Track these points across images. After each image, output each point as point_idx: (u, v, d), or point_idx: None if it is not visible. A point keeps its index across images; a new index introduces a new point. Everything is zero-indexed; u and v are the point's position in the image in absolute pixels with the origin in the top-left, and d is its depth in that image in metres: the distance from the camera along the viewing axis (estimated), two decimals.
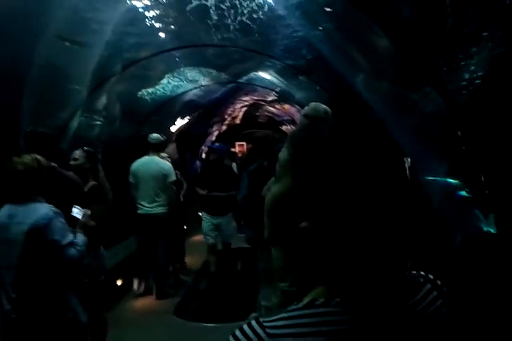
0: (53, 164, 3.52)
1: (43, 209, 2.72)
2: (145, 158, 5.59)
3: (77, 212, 3.16)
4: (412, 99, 4.16)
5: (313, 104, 3.21)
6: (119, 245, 6.29)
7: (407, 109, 4.26)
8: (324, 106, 3.17)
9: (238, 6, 5.17)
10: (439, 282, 0.86)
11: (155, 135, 5.65)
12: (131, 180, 5.57)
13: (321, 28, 5.19)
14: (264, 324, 0.73)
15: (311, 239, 0.72)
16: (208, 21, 5.52)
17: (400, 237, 0.74)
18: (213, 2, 5.10)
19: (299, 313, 0.73)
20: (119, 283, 5.69)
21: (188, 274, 6.73)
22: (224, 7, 5.23)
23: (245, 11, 5.28)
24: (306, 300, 0.75)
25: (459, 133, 3.18)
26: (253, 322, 0.74)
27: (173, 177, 5.59)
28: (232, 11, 5.30)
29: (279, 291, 2.98)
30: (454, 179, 3.57)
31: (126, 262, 5.91)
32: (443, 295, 0.84)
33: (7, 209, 2.74)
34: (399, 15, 3.70)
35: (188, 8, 5.14)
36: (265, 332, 0.71)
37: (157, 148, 5.65)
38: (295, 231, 0.73)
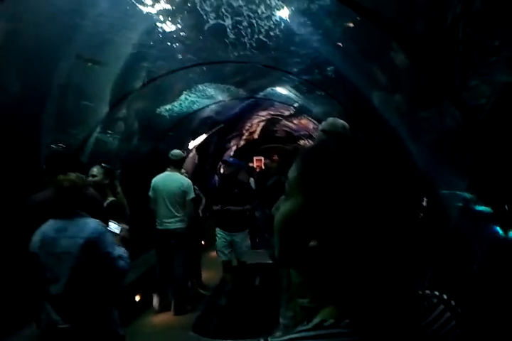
0: None
1: (93, 224, 2.88)
2: (165, 174, 5.64)
3: (115, 227, 3.28)
4: (429, 114, 4.15)
5: (331, 119, 3.21)
6: (138, 259, 6.33)
7: (424, 123, 4.24)
8: (342, 121, 3.16)
9: (255, 24, 5.24)
10: (453, 302, 0.83)
11: (176, 151, 5.70)
12: (150, 194, 5.62)
13: (337, 43, 5.24)
14: None
15: (320, 258, 0.71)
16: (225, 40, 5.62)
17: (411, 258, 0.73)
18: (230, 22, 5.19)
19: (308, 334, 0.72)
20: (137, 298, 5.70)
21: (206, 290, 6.72)
22: (241, 27, 5.32)
23: (262, 30, 5.36)
24: (315, 321, 0.74)
25: (477, 147, 3.15)
26: None
27: (192, 195, 5.61)
28: (249, 30, 5.38)
29: (298, 307, 2.95)
30: (472, 194, 3.52)
31: (145, 276, 5.93)
32: (457, 316, 0.81)
33: (53, 223, 2.87)
34: (414, 30, 3.71)
35: (205, 27, 5.24)
36: None
37: (178, 164, 5.70)
38: (305, 250, 0.72)
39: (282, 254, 0.80)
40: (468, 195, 3.61)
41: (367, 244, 0.68)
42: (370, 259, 0.69)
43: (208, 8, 4.90)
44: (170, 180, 5.59)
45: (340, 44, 5.23)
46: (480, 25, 2.74)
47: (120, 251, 2.99)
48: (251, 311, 5.78)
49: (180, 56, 6.00)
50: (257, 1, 4.90)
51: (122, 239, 3.27)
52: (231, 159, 6.80)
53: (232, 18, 5.14)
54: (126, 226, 3.38)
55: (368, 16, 3.60)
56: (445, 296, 0.84)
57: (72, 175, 2.97)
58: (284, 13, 5.05)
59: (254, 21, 5.19)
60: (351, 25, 4.78)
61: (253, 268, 7.01)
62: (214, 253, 7.66)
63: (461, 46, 2.94)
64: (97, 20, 4.50)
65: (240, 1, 4.87)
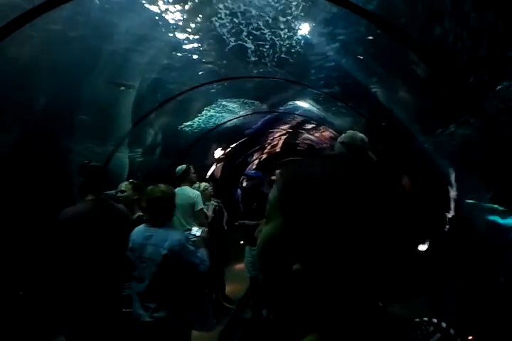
0: (110, 192, 3.80)
1: (176, 235, 3.16)
2: (176, 189, 5.64)
3: (196, 230, 3.61)
4: (453, 125, 4.12)
5: (350, 132, 3.21)
6: None
7: (449, 135, 4.20)
8: (361, 134, 3.17)
9: (277, 44, 5.33)
10: (452, 331, 0.75)
11: (178, 167, 5.74)
12: None
13: (356, 55, 5.26)
14: None
15: (303, 282, 0.68)
16: (247, 59, 5.77)
17: (397, 283, 0.70)
18: (252, 45, 5.31)
19: None
20: None
21: (230, 303, 6.69)
22: (263, 49, 5.44)
23: (283, 49, 5.45)
24: None
25: (502, 158, 3.11)
26: None
27: (200, 206, 5.63)
28: (271, 51, 5.49)
29: None
30: (499, 205, 3.47)
31: None
32: None
33: (143, 230, 3.22)
34: (432, 40, 3.71)
35: (226, 49, 5.36)
36: None
37: (182, 179, 5.71)
38: (287, 274, 0.69)
39: (266, 279, 0.76)
40: (495, 206, 3.56)
41: (352, 267, 0.66)
42: (355, 283, 0.67)
43: (227, 34, 5.02)
44: (179, 194, 5.63)
45: (361, 57, 5.25)
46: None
47: (202, 255, 3.33)
48: (276, 325, 5.72)
49: (200, 73, 6.12)
50: (282, 26, 5.01)
51: (203, 240, 3.61)
52: (252, 172, 6.77)
53: (253, 42, 5.26)
54: (206, 229, 3.70)
55: (384, 27, 3.62)
56: (444, 324, 0.77)
57: (163, 186, 3.27)
58: (305, 30, 5.11)
59: (276, 42, 5.29)
60: (371, 37, 4.80)
61: None
62: (239, 266, 7.66)
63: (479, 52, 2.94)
64: (119, 42, 4.67)
65: (263, 28, 4.99)
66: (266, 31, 5.11)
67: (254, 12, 4.74)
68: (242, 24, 5.06)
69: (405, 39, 3.56)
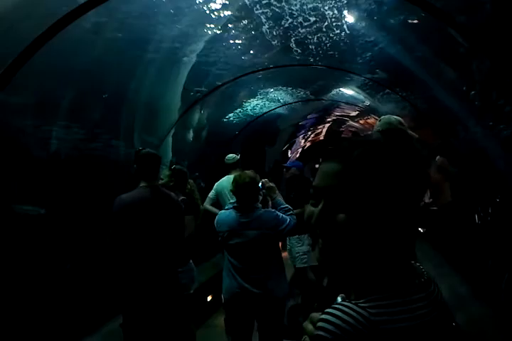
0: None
1: (270, 214, 3.42)
2: (226, 177, 5.64)
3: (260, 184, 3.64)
4: (504, 108, 3.93)
5: (385, 118, 3.14)
6: (208, 262, 6.44)
7: (499, 119, 4.02)
8: (396, 117, 3.10)
9: (323, 40, 5.34)
10: None
11: (230, 155, 5.74)
12: (210, 195, 5.66)
13: (402, 40, 5.10)
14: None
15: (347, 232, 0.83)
16: (291, 55, 5.83)
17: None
18: (297, 49, 5.33)
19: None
20: (209, 298, 5.81)
21: None
22: (309, 50, 5.56)
23: (328, 44, 5.48)
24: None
25: None
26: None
27: None
28: (318, 48, 5.54)
29: None
30: None
31: (215, 278, 6.04)
32: None
33: (236, 217, 3.40)
34: (475, 16, 3.53)
35: (273, 50, 5.49)
36: None
37: (233, 167, 5.69)
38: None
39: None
40: None
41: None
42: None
43: (272, 39, 5.05)
44: (228, 182, 5.63)
45: (403, 41, 5.08)
46: None
47: (288, 212, 3.52)
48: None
49: (246, 65, 6.14)
50: (334, 29, 5.01)
51: (269, 188, 3.69)
52: (289, 162, 6.70)
53: (298, 46, 5.38)
54: (265, 180, 3.73)
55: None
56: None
57: (249, 172, 3.43)
58: (350, 20, 5.01)
59: (322, 39, 5.30)
60: (416, 21, 4.62)
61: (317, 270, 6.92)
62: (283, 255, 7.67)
63: None
64: (166, 37, 4.77)
65: (309, 37, 5.02)
66: (313, 37, 5.14)
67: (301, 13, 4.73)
68: (288, 32, 5.13)
69: (448, 19, 3.39)
